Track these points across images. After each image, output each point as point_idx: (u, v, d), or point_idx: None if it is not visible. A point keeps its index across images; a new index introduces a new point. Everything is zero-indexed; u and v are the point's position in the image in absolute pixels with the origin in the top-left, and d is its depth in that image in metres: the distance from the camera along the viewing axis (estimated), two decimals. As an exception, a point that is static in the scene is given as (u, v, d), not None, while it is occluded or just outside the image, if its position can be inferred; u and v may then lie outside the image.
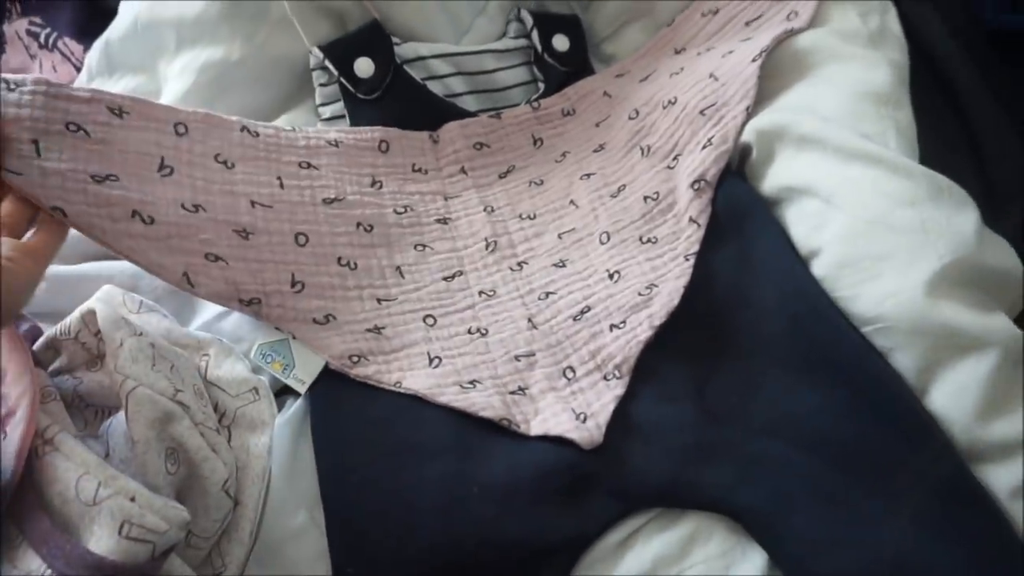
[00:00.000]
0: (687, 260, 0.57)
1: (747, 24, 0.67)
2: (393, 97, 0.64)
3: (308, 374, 0.52)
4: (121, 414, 0.45)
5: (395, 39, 0.65)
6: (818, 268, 0.53)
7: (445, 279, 0.59)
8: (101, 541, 0.39)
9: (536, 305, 0.57)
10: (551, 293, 0.57)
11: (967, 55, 0.69)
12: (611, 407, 0.51)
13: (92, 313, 0.48)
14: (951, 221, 0.49)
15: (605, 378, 0.53)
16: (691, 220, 0.58)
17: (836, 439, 0.49)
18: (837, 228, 0.52)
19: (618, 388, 0.52)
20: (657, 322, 0.54)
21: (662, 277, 0.57)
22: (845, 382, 0.49)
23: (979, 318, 0.47)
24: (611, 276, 0.58)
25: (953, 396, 0.47)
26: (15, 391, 0.44)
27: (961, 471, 0.46)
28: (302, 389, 0.52)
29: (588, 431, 0.50)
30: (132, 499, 0.39)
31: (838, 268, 0.52)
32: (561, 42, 0.71)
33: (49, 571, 0.39)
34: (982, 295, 0.48)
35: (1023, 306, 0.51)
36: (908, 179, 0.51)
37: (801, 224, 0.55)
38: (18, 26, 0.79)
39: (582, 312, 0.56)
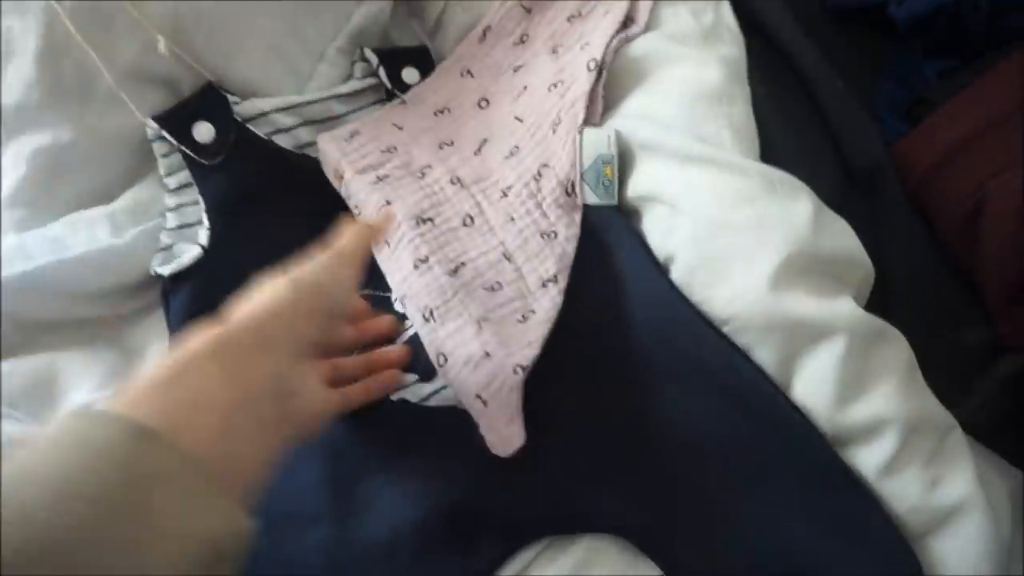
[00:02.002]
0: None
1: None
2: (240, 158, 0.62)
3: None
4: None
5: (234, 98, 0.64)
6: (675, 274, 0.53)
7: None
8: None
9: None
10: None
11: (809, 35, 0.70)
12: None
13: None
14: (785, 213, 0.50)
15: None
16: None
17: (712, 444, 0.49)
18: (684, 233, 0.52)
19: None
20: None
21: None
22: (714, 386, 0.50)
23: (824, 305, 0.48)
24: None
25: (812, 385, 0.48)
26: None
27: (830, 458, 0.47)
28: None
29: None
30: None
31: (690, 273, 0.52)
32: (411, 75, 0.70)
33: None
34: (826, 281, 0.49)
35: (873, 284, 0.52)
36: (743, 177, 0.52)
37: (655, 232, 0.55)
38: None
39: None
